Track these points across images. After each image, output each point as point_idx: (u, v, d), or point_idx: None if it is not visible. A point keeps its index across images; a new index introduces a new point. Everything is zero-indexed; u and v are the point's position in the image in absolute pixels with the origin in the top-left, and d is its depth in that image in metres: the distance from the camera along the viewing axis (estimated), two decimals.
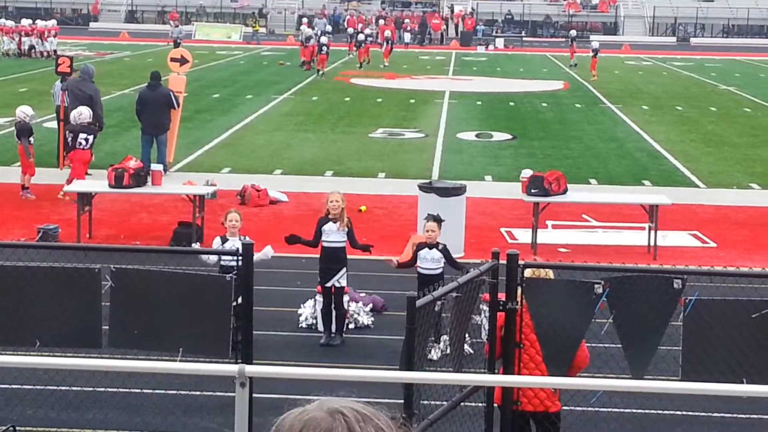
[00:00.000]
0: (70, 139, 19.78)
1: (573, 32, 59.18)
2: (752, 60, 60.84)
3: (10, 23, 53.65)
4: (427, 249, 12.38)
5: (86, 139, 19.57)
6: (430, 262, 12.32)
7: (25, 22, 53.04)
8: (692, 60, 60.13)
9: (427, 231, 12.50)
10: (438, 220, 12.55)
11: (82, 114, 19.85)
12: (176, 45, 47.93)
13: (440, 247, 12.37)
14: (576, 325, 8.32)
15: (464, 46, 68.89)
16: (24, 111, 20.45)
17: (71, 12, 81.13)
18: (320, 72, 44.97)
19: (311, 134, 28.99)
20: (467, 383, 8.22)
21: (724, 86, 44.96)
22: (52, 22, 54.55)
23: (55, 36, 52.37)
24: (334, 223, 12.73)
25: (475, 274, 8.80)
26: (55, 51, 47.60)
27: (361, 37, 52.80)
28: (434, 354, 11.34)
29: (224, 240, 12.46)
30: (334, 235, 12.74)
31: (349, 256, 13.07)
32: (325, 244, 12.80)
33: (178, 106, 22.79)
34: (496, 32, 76.35)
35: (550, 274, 8.88)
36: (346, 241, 12.78)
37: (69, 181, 18.98)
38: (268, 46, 63.43)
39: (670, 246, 17.46)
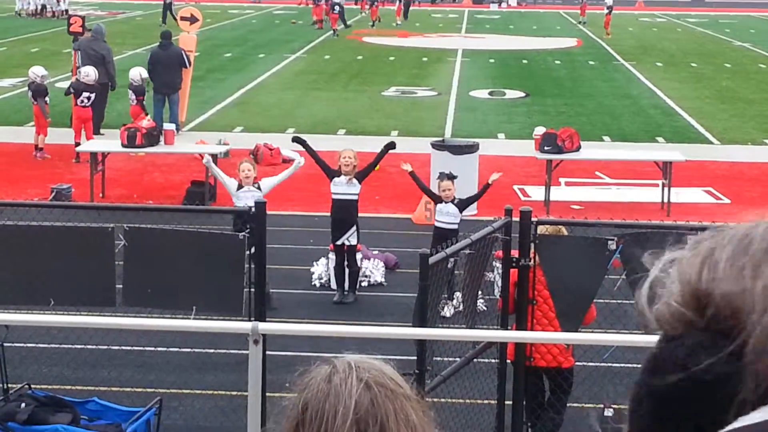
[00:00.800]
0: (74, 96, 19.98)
1: None
2: (767, 16, 60.37)
3: None
4: (443, 203, 12.45)
5: (88, 97, 19.68)
6: (446, 216, 12.38)
7: None
8: (707, 16, 59.73)
9: (444, 191, 12.54)
10: (451, 177, 12.58)
11: (88, 75, 19.94)
12: (166, 5, 47.59)
13: (456, 201, 12.44)
14: (589, 281, 8.32)
15: (477, 3, 68.51)
16: (35, 72, 20.47)
17: None
18: (335, 32, 44.75)
19: (324, 93, 28.92)
20: (480, 339, 8.23)
21: (738, 42, 44.67)
22: None
23: None
24: (345, 176, 12.78)
25: (488, 231, 8.79)
26: (66, 11, 47.49)
27: None
28: (447, 311, 11.38)
29: (239, 187, 12.65)
30: (343, 187, 12.77)
31: (360, 214, 13.09)
32: (335, 197, 12.86)
33: (190, 65, 22.74)
34: None
35: (564, 230, 8.88)
36: (358, 194, 12.82)
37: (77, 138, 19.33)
38: (280, 5, 63.15)
39: (684, 202, 17.41)
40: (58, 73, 27.84)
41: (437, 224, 12.49)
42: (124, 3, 61.22)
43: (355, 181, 12.79)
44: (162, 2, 48.95)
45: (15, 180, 18.33)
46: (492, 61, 37.16)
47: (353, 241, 12.80)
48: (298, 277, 13.38)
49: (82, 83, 19.85)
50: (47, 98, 20.34)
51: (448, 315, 11.24)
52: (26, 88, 20.82)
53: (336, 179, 12.84)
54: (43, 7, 51.37)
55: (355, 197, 12.82)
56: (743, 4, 69.12)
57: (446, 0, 71.15)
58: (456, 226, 12.24)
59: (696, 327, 1.02)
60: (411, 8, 56.50)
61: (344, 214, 12.77)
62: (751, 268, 1.00)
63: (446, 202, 12.46)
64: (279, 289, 12.49)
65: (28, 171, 19.10)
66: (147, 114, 20.06)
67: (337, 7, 45.38)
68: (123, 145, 17.47)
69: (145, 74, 20.63)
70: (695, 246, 1.06)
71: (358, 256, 13.04)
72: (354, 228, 12.79)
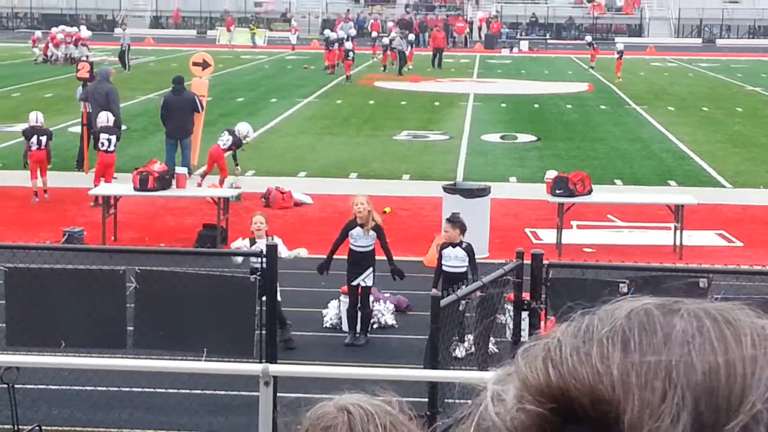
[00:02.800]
0: (93, 142, 20.08)
1: (588, 37, 58.97)
2: None
3: (38, 33, 53.72)
4: (450, 247, 12.43)
5: (108, 140, 19.73)
6: (453, 260, 12.37)
7: (56, 30, 53.16)
8: (718, 61, 59.85)
9: (445, 231, 12.63)
10: (451, 220, 12.60)
11: (99, 118, 20.09)
12: (122, 53, 47.75)
13: (464, 245, 12.40)
14: None
15: (488, 48, 68.78)
16: (42, 117, 20.77)
17: (96, 18, 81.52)
18: (348, 78, 44.58)
19: (336, 137, 29.01)
20: None
21: (750, 87, 44.73)
22: (80, 29, 54.77)
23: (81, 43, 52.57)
24: (362, 228, 12.76)
25: (500, 274, 8.79)
26: (87, 57, 47.78)
27: (385, 41, 52.79)
28: (459, 352, 11.35)
29: (252, 242, 12.44)
30: (361, 240, 12.76)
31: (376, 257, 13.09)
32: (352, 248, 12.82)
33: (202, 109, 22.87)
34: (521, 35, 76.24)
35: None
36: (374, 243, 12.81)
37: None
38: (289, 50, 63.44)
39: (696, 245, 17.37)
40: (71, 118, 27.98)
41: (445, 269, 12.45)
42: (136, 49, 61.61)
43: (372, 233, 12.77)
44: (120, 47, 49.07)
45: (27, 223, 18.39)
46: (504, 105, 37.26)
47: (369, 283, 12.79)
48: (309, 319, 13.37)
49: (99, 127, 19.93)
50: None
51: (460, 356, 11.20)
52: (28, 134, 20.66)
53: (353, 232, 12.81)
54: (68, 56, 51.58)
55: (370, 249, 12.83)
56: (754, 49, 69.29)
57: (458, 45, 71.47)
58: (464, 269, 12.23)
59: (555, 427, 0.95)
60: (420, 53, 56.61)
61: (360, 264, 12.78)
62: (598, 353, 0.94)
63: (453, 246, 12.44)
64: (291, 331, 12.48)
65: (41, 214, 19.16)
66: (237, 165, 20.67)
67: (351, 54, 45.35)
68: (135, 189, 17.53)
69: (252, 134, 21.09)
70: (524, 354, 0.99)
71: (370, 298, 13.02)
72: (371, 270, 12.78)
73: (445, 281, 11.82)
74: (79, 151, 23.29)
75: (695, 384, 0.88)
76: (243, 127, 20.86)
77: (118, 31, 49.64)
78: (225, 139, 20.56)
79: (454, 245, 12.42)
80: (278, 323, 11.86)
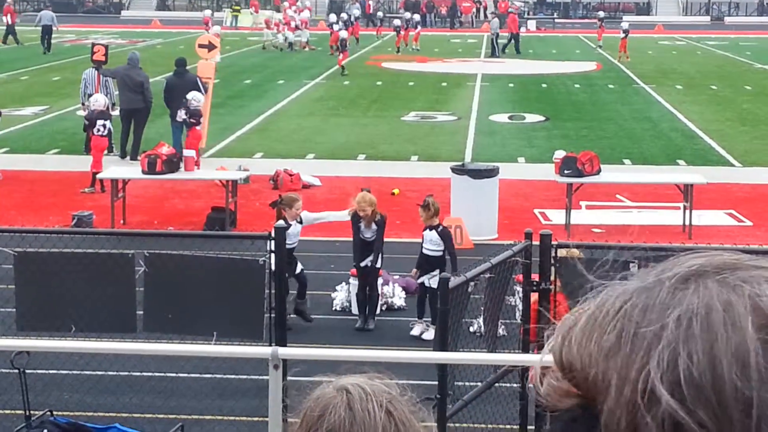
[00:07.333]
0: (87, 126, 20.18)
1: (601, 13, 58.64)
2: None
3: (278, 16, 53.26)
4: (428, 230, 12.49)
5: (104, 125, 19.81)
6: (429, 243, 12.45)
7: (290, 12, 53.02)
8: (726, 39, 59.60)
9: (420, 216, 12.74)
10: (422, 204, 12.65)
11: (97, 101, 20.13)
12: (44, 33, 46.99)
13: (440, 230, 12.42)
14: None
15: None
16: None
17: (103, 1, 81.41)
18: (342, 69, 40.23)
19: (343, 118, 28.97)
20: (502, 363, 8.19)
21: (759, 65, 44.55)
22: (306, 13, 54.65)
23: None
24: (366, 226, 12.86)
25: (509, 255, 8.77)
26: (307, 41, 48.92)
27: (397, 22, 52.54)
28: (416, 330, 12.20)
29: (288, 225, 12.65)
30: (367, 232, 12.87)
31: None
32: (360, 236, 12.88)
33: (206, 92, 22.83)
34: (528, 14, 75.96)
35: (575, 252, 8.89)
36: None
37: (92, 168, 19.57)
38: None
39: (706, 225, 17.33)
40: (78, 102, 27.93)
41: (423, 251, 12.54)
42: (144, 31, 61.58)
43: (375, 227, 12.79)
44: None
45: (37, 207, 18.41)
46: (511, 85, 37.17)
47: (376, 263, 12.80)
48: (318, 303, 13.37)
49: (94, 111, 19.97)
50: None
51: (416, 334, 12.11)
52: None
53: (358, 226, 12.83)
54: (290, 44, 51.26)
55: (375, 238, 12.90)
56: (763, 27, 68.96)
57: (464, 26, 71.26)
58: (441, 254, 12.32)
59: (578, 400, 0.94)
60: (427, 33, 56.33)
61: (366, 251, 12.83)
62: (596, 338, 0.94)
63: (431, 230, 12.47)
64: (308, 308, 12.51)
65: (50, 198, 19.18)
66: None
67: (346, 43, 43.87)
68: (143, 172, 17.54)
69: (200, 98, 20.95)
70: (560, 325, 0.99)
71: (379, 281, 13.03)
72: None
73: (424, 264, 12.28)
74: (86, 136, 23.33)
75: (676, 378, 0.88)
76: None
77: (45, 12, 48.89)
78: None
79: (431, 228, 12.47)
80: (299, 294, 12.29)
